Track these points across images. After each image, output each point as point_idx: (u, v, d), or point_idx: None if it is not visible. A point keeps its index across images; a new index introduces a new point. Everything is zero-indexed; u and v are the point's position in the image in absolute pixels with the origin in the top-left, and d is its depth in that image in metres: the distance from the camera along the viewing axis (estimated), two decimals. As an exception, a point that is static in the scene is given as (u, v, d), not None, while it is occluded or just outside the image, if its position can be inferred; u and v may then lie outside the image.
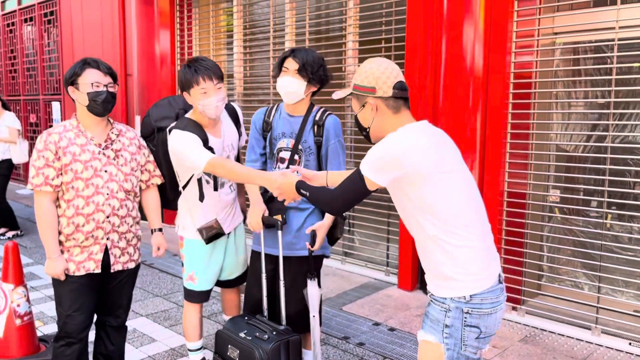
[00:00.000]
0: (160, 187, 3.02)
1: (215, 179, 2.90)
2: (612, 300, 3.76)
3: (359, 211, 5.13)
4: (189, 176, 2.86)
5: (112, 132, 2.69)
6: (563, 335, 3.77)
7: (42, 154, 2.52)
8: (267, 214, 2.91)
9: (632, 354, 3.50)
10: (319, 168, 2.91)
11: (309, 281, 2.82)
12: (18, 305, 3.36)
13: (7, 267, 3.37)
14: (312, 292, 2.81)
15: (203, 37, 6.73)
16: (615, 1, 3.60)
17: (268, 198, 2.93)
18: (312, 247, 2.81)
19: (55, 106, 9.10)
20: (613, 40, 3.59)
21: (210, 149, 2.76)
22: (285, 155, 2.91)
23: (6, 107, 6.59)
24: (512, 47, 3.96)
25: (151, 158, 2.88)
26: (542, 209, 4.14)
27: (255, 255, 3.05)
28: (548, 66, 4.03)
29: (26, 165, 8.96)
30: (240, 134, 3.10)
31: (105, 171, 2.61)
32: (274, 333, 2.74)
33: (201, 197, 2.89)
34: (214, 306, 4.29)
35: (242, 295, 3.25)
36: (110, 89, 2.59)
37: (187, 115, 2.87)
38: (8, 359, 3.34)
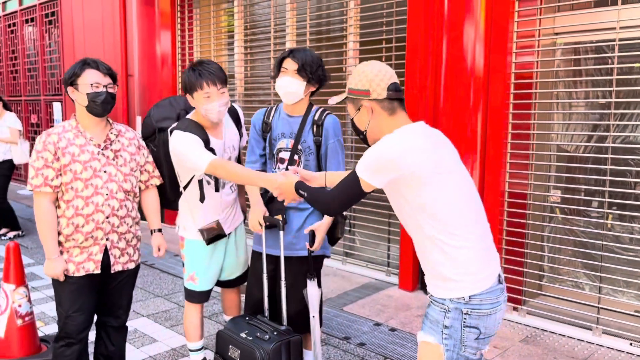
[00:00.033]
0: (161, 188, 3.02)
1: (216, 179, 2.90)
2: (613, 300, 3.76)
3: (359, 211, 5.13)
4: (190, 177, 2.87)
5: (112, 133, 2.69)
6: (564, 335, 3.77)
7: (41, 154, 2.52)
8: (267, 214, 2.91)
9: (633, 354, 3.50)
10: (319, 168, 2.91)
11: (308, 281, 2.82)
12: (19, 306, 3.36)
13: (9, 268, 3.38)
14: (312, 292, 2.81)
15: (204, 37, 6.73)
16: (616, 1, 3.60)
17: (268, 199, 2.94)
18: (311, 247, 2.81)
19: (57, 107, 9.11)
20: (614, 40, 3.59)
21: (212, 150, 2.76)
22: (285, 155, 2.91)
23: (7, 107, 6.60)
24: (512, 47, 3.96)
25: (150, 159, 2.87)
26: (543, 209, 4.14)
27: (256, 255, 3.05)
28: (549, 66, 4.03)
29: (27, 166, 8.96)
30: (241, 135, 3.10)
31: (105, 171, 2.61)
32: (275, 333, 2.74)
33: (202, 198, 2.89)
34: (215, 306, 4.29)
35: (242, 296, 3.25)
36: (110, 90, 2.59)
37: (188, 116, 2.87)
38: (9, 359, 3.34)
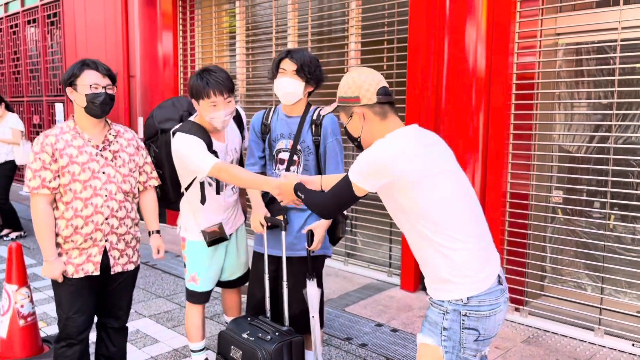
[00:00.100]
0: (163, 188, 3.02)
1: (217, 181, 2.90)
2: (615, 301, 3.75)
3: (361, 212, 5.13)
4: (191, 179, 2.87)
5: (110, 134, 2.67)
6: (566, 336, 3.76)
7: (39, 156, 2.51)
8: (268, 215, 2.91)
9: (635, 355, 3.50)
10: (319, 167, 2.91)
11: (308, 281, 2.82)
12: (21, 306, 3.36)
13: (11, 268, 3.38)
14: (312, 292, 2.81)
15: (205, 38, 6.74)
16: (617, 2, 3.60)
17: (269, 199, 2.94)
18: (309, 246, 2.81)
19: (59, 107, 9.13)
20: (616, 40, 3.59)
21: (214, 153, 2.76)
22: (285, 156, 2.92)
23: (9, 108, 6.61)
24: (514, 47, 3.96)
25: (149, 159, 2.86)
26: (545, 209, 4.14)
27: (258, 256, 3.05)
28: (550, 67, 4.03)
29: (29, 167, 8.97)
30: (243, 137, 3.10)
31: (103, 173, 2.60)
32: (277, 334, 2.74)
33: (203, 200, 2.89)
34: (217, 307, 4.29)
35: (243, 296, 3.25)
36: (109, 91, 2.57)
37: (191, 119, 2.87)
38: (11, 360, 3.35)
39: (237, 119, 3.06)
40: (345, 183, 2.00)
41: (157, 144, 3.00)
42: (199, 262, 3.00)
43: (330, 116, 2.90)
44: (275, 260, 2.97)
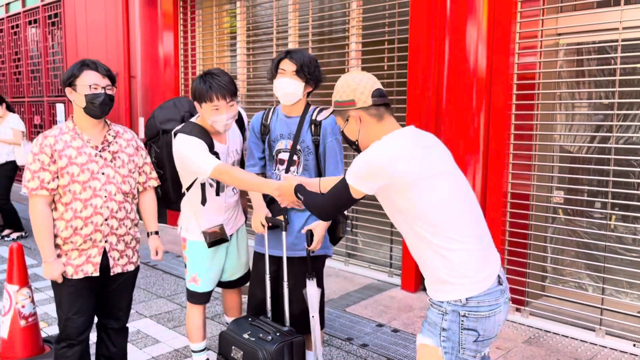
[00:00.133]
0: (163, 188, 3.02)
1: (218, 183, 2.90)
2: (616, 301, 3.75)
3: (362, 212, 5.13)
4: (192, 180, 2.87)
5: (109, 134, 2.67)
6: (567, 336, 3.76)
7: (38, 157, 2.50)
8: (269, 215, 2.91)
9: (637, 355, 3.49)
10: (319, 167, 2.91)
11: (307, 281, 2.82)
12: (22, 307, 3.37)
13: (12, 269, 3.38)
14: (311, 292, 2.81)
15: (206, 38, 6.74)
16: (618, 2, 3.60)
17: (270, 199, 2.94)
18: (308, 246, 2.81)
19: (60, 108, 9.13)
20: (617, 41, 3.59)
21: (216, 155, 2.77)
22: (284, 156, 2.92)
23: (10, 109, 6.62)
24: (515, 48, 3.96)
25: (148, 160, 2.86)
26: (546, 210, 4.13)
27: (258, 256, 3.05)
28: (551, 67, 4.03)
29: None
30: (244, 138, 3.10)
31: (103, 173, 2.59)
32: (278, 334, 2.74)
33: (203, 201, 2.89)
34: (218, 307, 4.30)
35: (244, 297, 3.25)
36: (108, 92, 2.56)
37: (193, 120, 2.87)
38: (12, 360, 3.35)
39: (239, 120, 3.06)
40: (343, 185, 2.01)
41: (159, 144, 3.00)
42: (199, 262, 3.00)
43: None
44: (276, 261, 2.97)
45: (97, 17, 7.83)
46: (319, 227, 2.81)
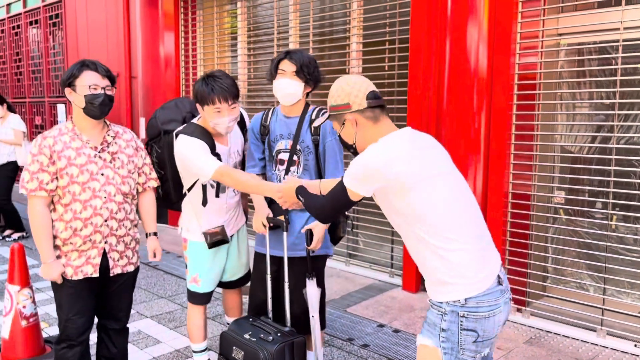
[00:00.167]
0: (164, 189, 3.01)
1: (217, 184, 2.90)
2: (617, 301, 3.74)
3: (363, 212, 5.13)
4: (193, 181, 2.87)
5: (109, 135, 2.66)
6: (568, 337, 3.76)
7: (37, 158, 2.49)
8: (271, 215, 2.91)
9: (638, 355, 3.49)
10: (319, 167, 2.91)
11: (307, 281, 2.82)
12: (24, 307, 3.37)
13: (13, 269, 3.38)
14: (311, 291, 2.81)
15: (207, 39, 6.74)
16: (619, 2, 3.59)
17: (270, 200, 2.94)
18: (308, 246, 2.81)
19: (61, 108, 9.13)
20: (618, 41, 3.59)
21: (217, 156, 2.76)
22: (284, 156, 2.92)
23: (11, 109, 6.62)
24: (516, 48, 3.96)
25: (148, 160, 2.85)
26: (547, 210, 4.13)
27: (259, 256, 3.05)
28: (552, 67, 4.03)
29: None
30: (246, 139, 3.10)
31: (102, 174, 2.58)
32: (279, 334, 2.74)
33: (204, 202, 2.88)
34: (219, 307, 4.30)
35: (244, 297, 3.25)
36: (108, 92, 2.56)
37: (194, 121, 2.87)
38: (14, 360, 3.35)
39: (240, 121, 3.05)
40: (341, 188, 2.02)
41: (160, 145, 3.00)
42: (200, 263, 3.00)
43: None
44: (276, 261, 2.97)
45: (98, 17, 7.84)
46: (319, 227, 2.81)
